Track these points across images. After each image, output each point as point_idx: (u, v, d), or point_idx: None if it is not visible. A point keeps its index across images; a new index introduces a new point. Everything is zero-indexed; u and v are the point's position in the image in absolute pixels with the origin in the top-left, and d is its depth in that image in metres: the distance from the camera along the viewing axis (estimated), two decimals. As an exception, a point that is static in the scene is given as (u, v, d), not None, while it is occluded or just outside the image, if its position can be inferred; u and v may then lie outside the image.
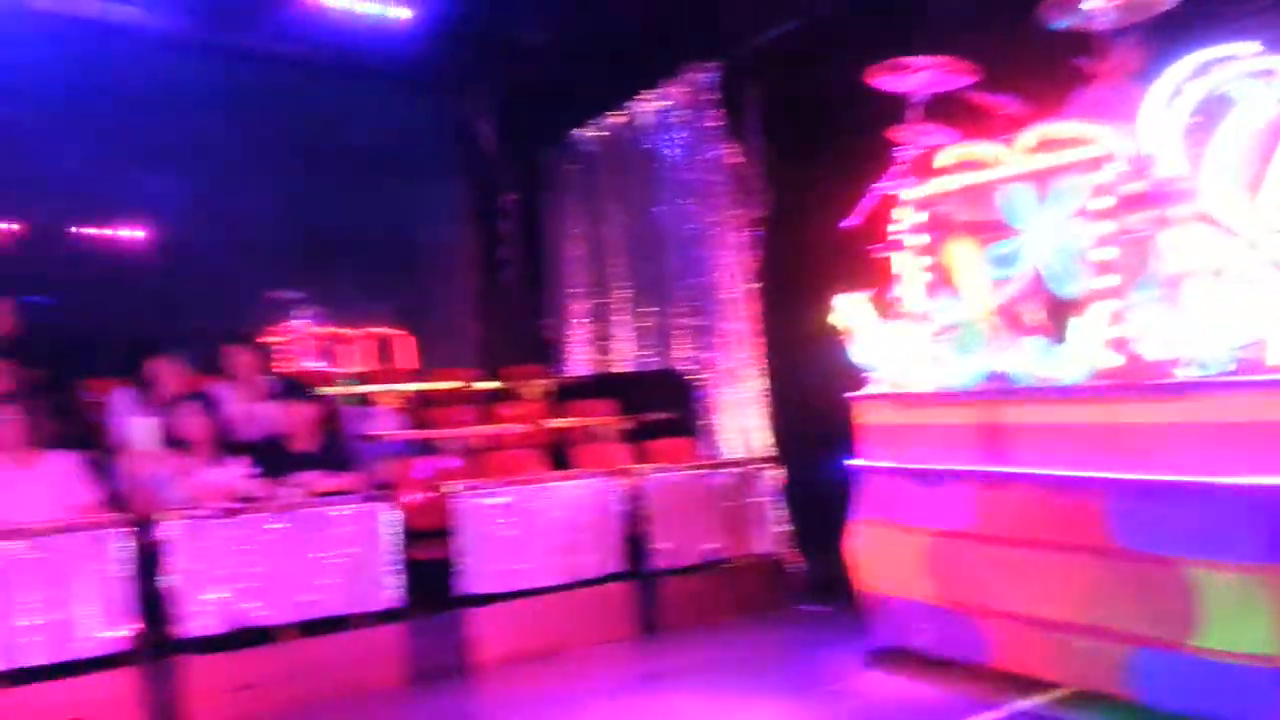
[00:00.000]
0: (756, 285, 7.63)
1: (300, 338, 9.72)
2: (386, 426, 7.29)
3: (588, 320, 9.65)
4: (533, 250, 10.11)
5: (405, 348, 10.36)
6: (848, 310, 5.15)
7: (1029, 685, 4.30)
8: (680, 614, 6.05)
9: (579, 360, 9.66)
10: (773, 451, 7.04)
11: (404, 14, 8.23)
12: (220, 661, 4.65)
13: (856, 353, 5.16)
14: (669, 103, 8.56)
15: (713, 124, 8.07)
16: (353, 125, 9.23)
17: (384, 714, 4.73)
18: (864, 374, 5.17)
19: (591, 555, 5.84)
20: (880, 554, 5.04)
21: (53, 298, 8.33)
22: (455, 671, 5.27)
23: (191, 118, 8.57)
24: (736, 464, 6.76)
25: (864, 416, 5.15)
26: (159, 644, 4.58)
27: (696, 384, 7.94)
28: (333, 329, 10.13)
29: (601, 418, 8.03)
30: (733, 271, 7.94)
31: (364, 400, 7.89)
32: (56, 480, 5.03)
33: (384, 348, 10.31)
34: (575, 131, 9.58)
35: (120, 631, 4.41)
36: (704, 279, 8.17)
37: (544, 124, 9.65)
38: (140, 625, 4.48)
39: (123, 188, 8.69)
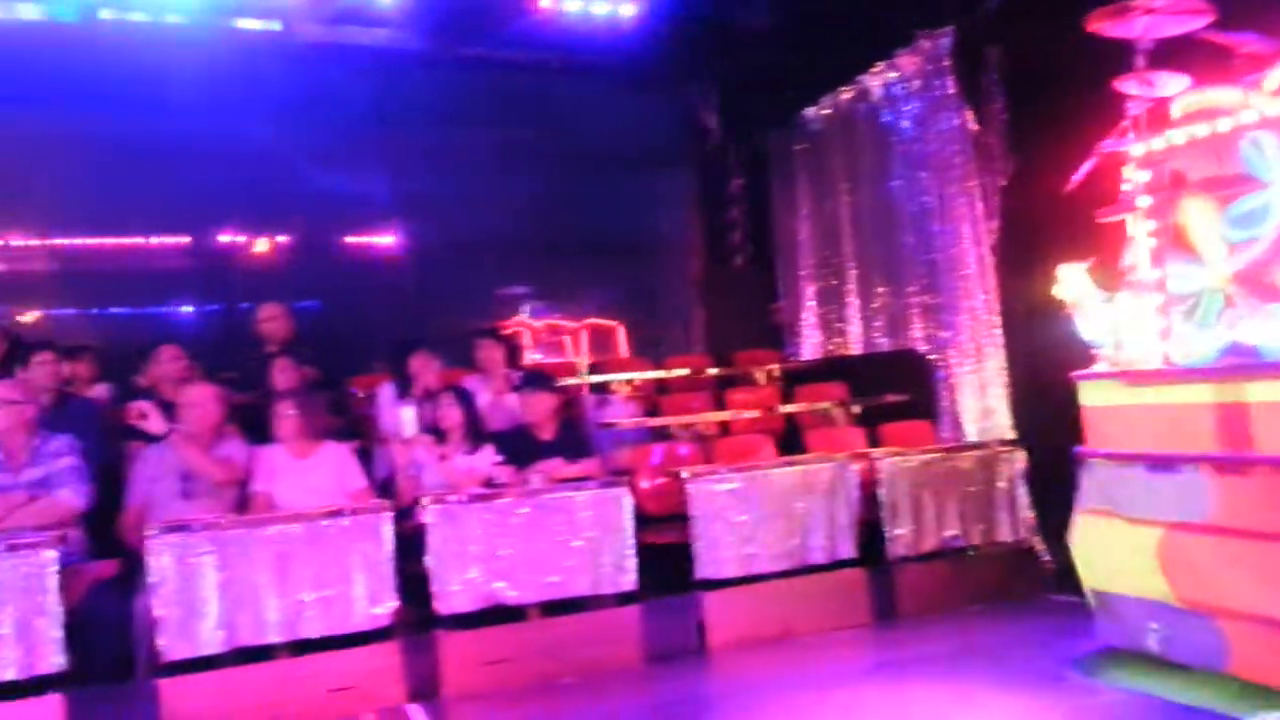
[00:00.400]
0: (996, 258, 7.28)
1: (532, 331, 10.22)
2: (622, 414, 7.54)
3: (818, 302, 9.53)
4: (760, 234, 10.10)
5: (620, 338, 10.65)
6: (1072, 281, 4.82)
7: (1276, 697, 3.90)
8: (918, 602, 5.90)
9: (809, 343, 9.57)
10: (1015, 434, 6.71)
11: (630, 11, 8.43)
12: (473, 637, 4.98)
13: (1082, 327, 4.82)
14: (899, 73, 8.29)
15: (947, 92, 7.75)
16: (582, 124, 9.56)
17: (623, 692, 4.90)
18: (1092, 350, 4.83)
19: (824, 541, 5.80)
20: (1107, 547, 4.69)
21: (321, 302, 9.20)
22: (689, 653, 5.39)
23: (435, 129, 9.19)
24: (977, 447, 6.49)
25: (1089, 397, 4.81)
26: (419, 620, 4.97)
27: (933, 364, 7.68)
28: (554, 321, 10.57)
29: (833, 401, 7.93)
30: (971, 245, 7.60)
31: (601, 389, 8.18)
32: (331, 469, 5.55)
33: (602, 338, 10.65)
34: (801, 111, 9.48)
35: (385, 608, 4.82)
36: (940, 254, 7.87)
37: (769, 107, 9.61)
38: (401, 603, 4.86)
39: (377, 198, 9.46)
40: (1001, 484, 6.27)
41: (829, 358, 9.16)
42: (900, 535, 6.00)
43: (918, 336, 8.12)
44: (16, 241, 10.11)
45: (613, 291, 10.68)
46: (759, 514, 5.67)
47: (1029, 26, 6.54)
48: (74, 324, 10.28)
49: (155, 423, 5.31)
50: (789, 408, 7.95)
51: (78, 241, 10.34)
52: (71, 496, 4.92)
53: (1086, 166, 5.04)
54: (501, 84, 9.17)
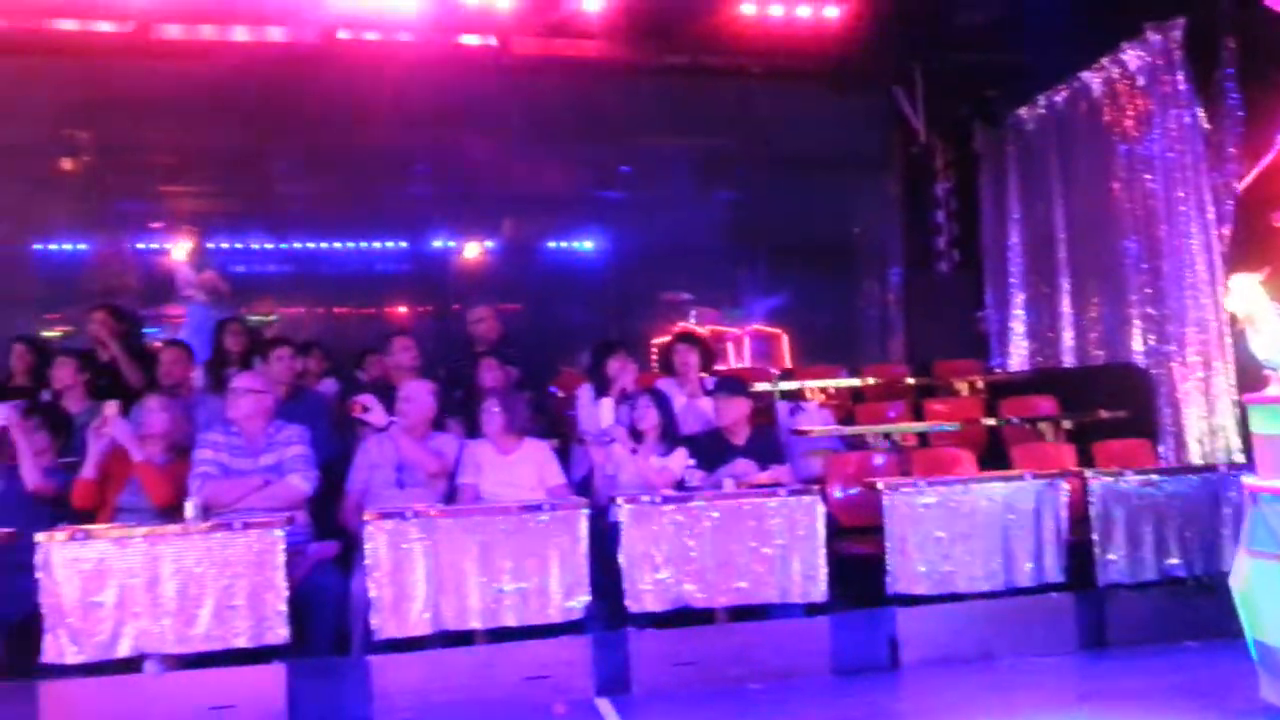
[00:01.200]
0: (1228, 266, 6.74)
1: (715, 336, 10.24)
2: (816, 422, 7.45)
3: (1026, 311, 9.11)
4: (967, 239, 9.75)
5: (784, 345, 10.51)
6: (1244, 292, 4.30)
7: None
8: (1129, 632, 5.53)
9: (1017, 354, 9.15)
10: (1245, 457, 6.19)
11: (834, 12, 8.34)
12: (662, 637, 5.06)
13: (1254, 344, 4.33)
14: (1122, 69, 7.82)
15: (1177, 87, 7.25)
16: (783, 129, 9.55)
17: (811, 703, 4.84)
18: (1265, 371, 4.34)
19: (1029, 562, 5.53)
20: (1275, 596, 4.17)
21: (524, 304, 9.58)
22: (879, 669, 5.26)
23: (637, 137, 9.39)
24: (1202, 469, 6.03)
25: (1260, 424, 4.30)
26: (611, 616, 5.09)
27: (1154, 379, 7.19)
28: (720, 327, 10.54)
29: (1043, 415, 7.55)
30: (1201, 251, 7.08)
31: (794, 395, 8.12)
32: (533, 465, 5.78)
33: (767, 345, 10.53)
34: (1014, 111, 9.09)
35: (579, 602, 4.96)
36: (1166, 261, 7.38)
37: (979, 107, 9.27)
38: (594, 598, 4.99)
39: (580, 205, 9.77)
40: (1227, 510, 5.79)
41: (1038, 369, 8.72)
42: (1113, 561, 5.65)
43: (1137, 349, 7.62)
44: (255, 245, 11.03)
45: (813, 296, 10.58)
46: (958, 530, 5.48)
47: (1269, 16, 6.03)
48: (302, 322, 11.14)
49: (377, 415, 5.66)
50: (992, 420, 7.63)
51: (309, 245, 11.19)
52: (300, 482, 5.33)
53: (1265, 162, 4.53)
54: (703, 91, 9.27)
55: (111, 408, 5.33)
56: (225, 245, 10.51)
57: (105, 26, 8.18)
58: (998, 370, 9.06)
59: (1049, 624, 5.50)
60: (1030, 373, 8.74)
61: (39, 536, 4.53)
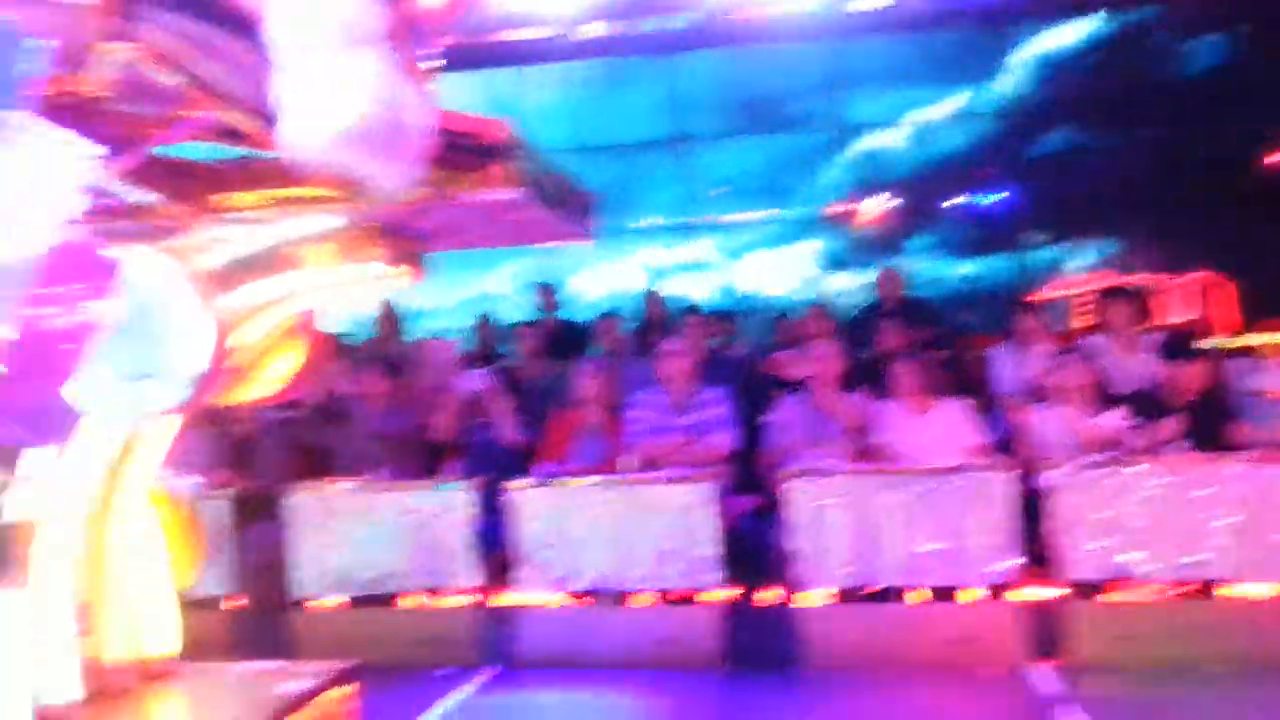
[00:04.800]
0: None
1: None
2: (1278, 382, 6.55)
3: None
4: None
5: (1225, 295, 9.15)
6: None
7: None
8: None
9: None
10: None
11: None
12: (1099, 608, 4.76)
13: None
14: None
15: None
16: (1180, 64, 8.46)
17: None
18: None
19: None
20: None
21: (938, 259, 9.30)
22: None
23: (1050, 85, 8.77)
24: None
25: None
26: (1041, 582, 4.87)
27: None
28: (1156, 276, 9.41)
29: None
30: None
31: (1245, 351, 7.21)
32: (948, 425, 5.65)
33: (1213, 296, 9.24)
34: None
35: (1005, 565, 4.80)
36: None
37: None
38: (1022, 560, 4.81)
39: (987, 156, 9.31)
40: None
41: None
42: None
43: None
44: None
45: (1258, 241, 9.29)
46: None
47: None
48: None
49: (796, 370, 5.79)
50: None
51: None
52: (723, 440, 5.64)
53: None
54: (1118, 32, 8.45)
55: None
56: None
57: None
58: None
59: None
60: None
61: (511, 484, 5.21)
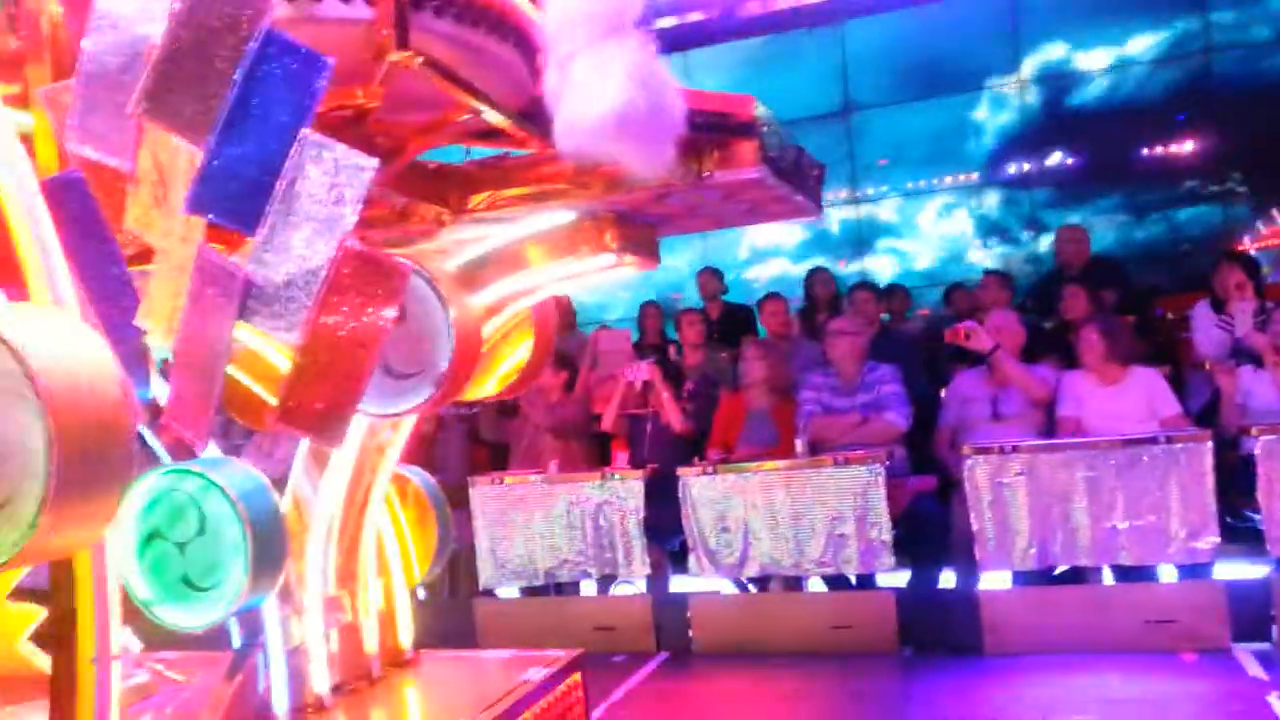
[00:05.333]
0: None
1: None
2: None
3: None
4: None
5: None
6: None
7: None
8: None
9: None
10: None
11: None
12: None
13: None
14: None
15: None
16: None
17: None
18: None
19: None
20: None
21: (1125, 219, 8.64)
22: None
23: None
24: None
25: None
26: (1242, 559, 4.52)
27: None
28: None
29: None
30: None
31: None
32: (1141, 394, 5.27)
33: None
34: None
35: (1206, 543, 4.46)
36: None
37: None
38: (1222, 539, 4.46)
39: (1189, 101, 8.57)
40: None
41: None
42: None
43: None
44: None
45: None
46: None
47: None
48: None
49: (980, 340, 5.52)
50: None
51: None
52: (895, 419, 5.48)
53: None
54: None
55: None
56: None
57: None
58: None
59: None
60: None
61: (681, 471, 5.24)
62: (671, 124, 2.00)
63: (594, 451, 6.28)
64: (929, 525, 5.15)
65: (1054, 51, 9.91)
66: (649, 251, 2.62)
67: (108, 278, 1.85)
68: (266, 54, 1.63)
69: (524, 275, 2.57)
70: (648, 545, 5.34)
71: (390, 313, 1.76)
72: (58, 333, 1.64)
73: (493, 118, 2.11)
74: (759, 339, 6.72)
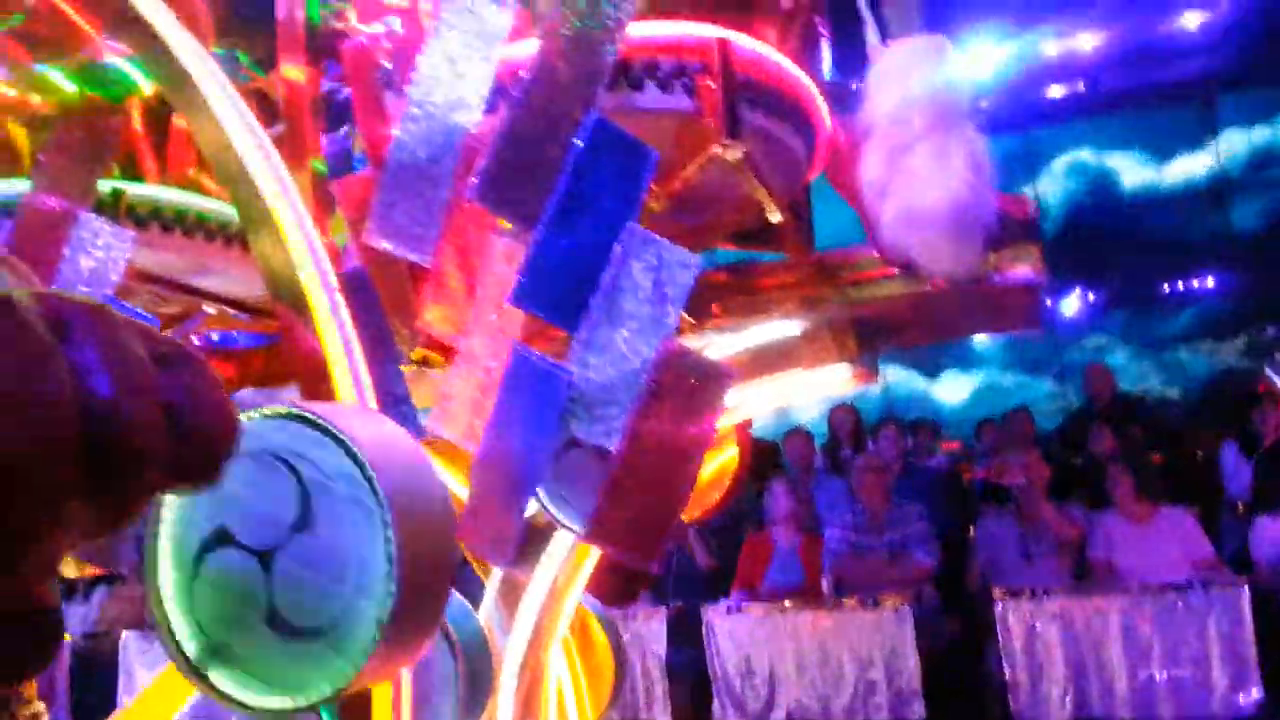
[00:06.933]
0: None
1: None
2: None
3: None
4: None
5: None
6: None
7: None
8: None
9: None
10: None
11: None
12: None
13: None
14: None
15: None
16: None
17: None
18: None
19: None
20: None
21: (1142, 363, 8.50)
22: None
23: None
24: None
25: None
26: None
27: None
28: None
29: None
30: None
31: None
32: (1174, 536, 5.19)
33: None
34: None
35: (1249, 696, 4.32)
36: None
37: None
38: (1266, 693, 4.32)
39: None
40: None
41: None
42: None
43: None
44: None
45: None
46: None
47: None
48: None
49: (1014, 476, 5.48)
50: None
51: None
52: (924, 558, 5.41)
53: None
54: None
55: None
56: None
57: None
58: None
59: None
60: None
61: (706, 610, 5.17)
62: (991, 218, 1.96)
63: (620, 587, 6.20)
64: (961, 672, 5.02)
65: (1078, 173, 9.99)
66: (874, 365, 2.44)
67: (386, 376, 1.75)
68: (596, 143, 1.58)
69: (753, 386, 2.39)
70: (671, 686, 5.23)
71: (714, 420, 1.64)
72: (383, 434, 1.45)
73: (775, 216, 2.04)
74: (784, 474, 6.69)
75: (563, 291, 1.60)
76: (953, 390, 10.60)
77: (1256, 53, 7.80)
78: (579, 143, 1.58)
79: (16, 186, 1.82)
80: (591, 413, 1.58)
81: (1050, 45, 8.63)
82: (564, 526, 1.98)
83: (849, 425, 7.34)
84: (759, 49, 1.84)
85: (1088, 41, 8.59)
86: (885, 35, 1.96)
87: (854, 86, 2.01)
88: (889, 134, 1.91)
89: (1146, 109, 9.08)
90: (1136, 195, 9.59)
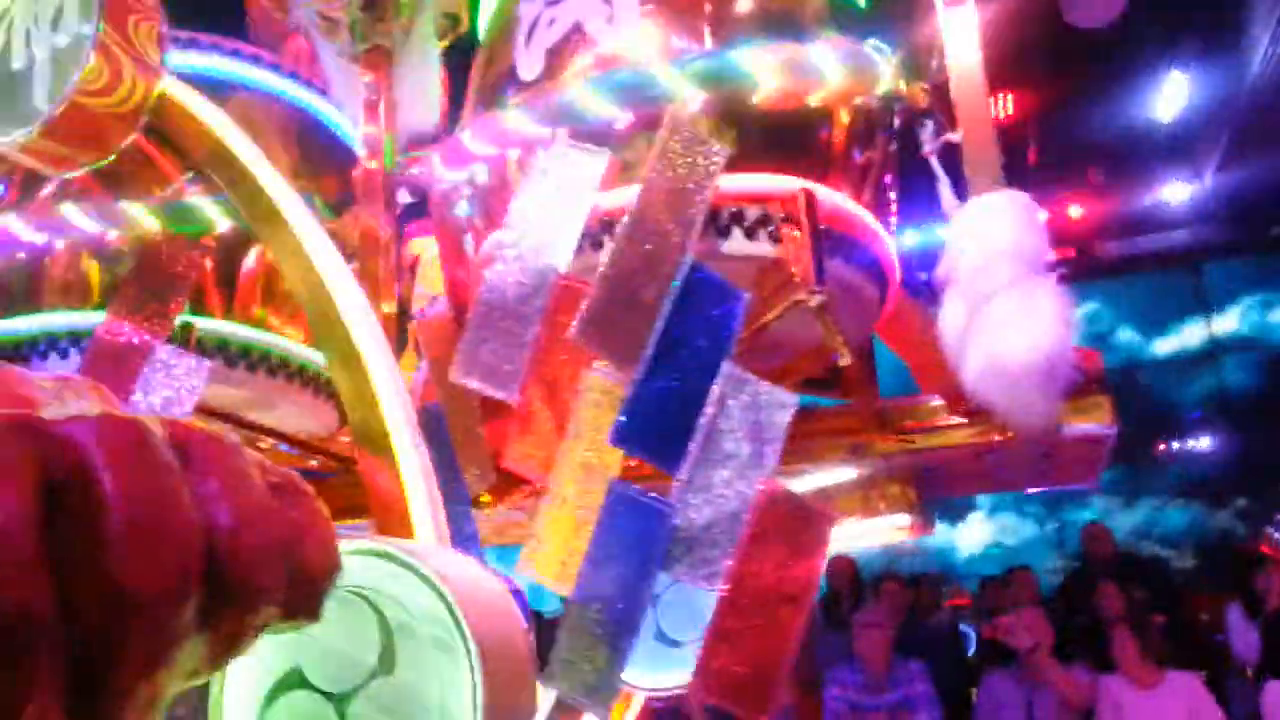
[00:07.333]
0: None
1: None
2: None
3: None
4: None
5: None
6: None
7: None
8: None
9: None
10: None
11: None
12: None
13: None
14: None
15: None
16: None
17: None
18: None
19: None
20: None
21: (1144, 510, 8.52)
22: None
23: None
24: None
25: None
26: None
27: None
28: None
29: None
30: None
31: None
32: (1182, 702, 5.07)
33: None
34: None
35: None
36: None
37: None
38: None
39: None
40: None
41: None
42: None
43: None
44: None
45: None
46: None
47: None
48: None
49: (1022, 638, 5.38)
50: None
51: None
52: None
53: None
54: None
55: None
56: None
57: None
58: None
59: None
60: None
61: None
62: (1072, 370, 1.96)
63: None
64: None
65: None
66: (931, 516, 2.45)
67: (455, 515, 1.74)
68: (689, 286, 1.62)
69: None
70: None
71: (820, 564, 1.61)
72: (469, 575, 1.37)
73: (845, 360, 2.06)
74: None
75: (663, 431, 1.61)
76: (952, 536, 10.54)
77: (1243, 222, 8.13)
78: (676, 284, 1.63)
79: (89, 318, 1.84)
80: (694, 554, 1.56)
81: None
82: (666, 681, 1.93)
83: (847, 577, 7.23)
84: (839, 199, 1.92)
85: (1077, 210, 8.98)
86: (960, 193, 2.04)
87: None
88: (973, 284, 1.94)
89: (1137, 276, 9.38)
90: (1130, 359, 9.79)
